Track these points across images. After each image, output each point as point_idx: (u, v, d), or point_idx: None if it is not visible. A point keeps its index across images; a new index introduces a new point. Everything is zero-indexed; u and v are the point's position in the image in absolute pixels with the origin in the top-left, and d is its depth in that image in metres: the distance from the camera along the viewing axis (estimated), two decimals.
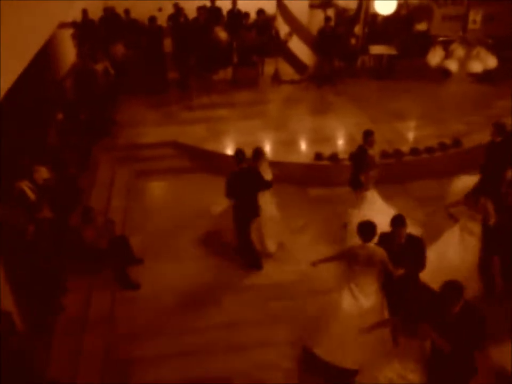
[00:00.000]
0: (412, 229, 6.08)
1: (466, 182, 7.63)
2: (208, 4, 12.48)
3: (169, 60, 12.19)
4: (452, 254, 6.45)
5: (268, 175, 7.23)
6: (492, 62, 9.52)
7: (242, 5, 12.45)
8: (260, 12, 12.22)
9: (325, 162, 9.04)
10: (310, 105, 11.56)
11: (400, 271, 5.39)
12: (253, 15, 12.34)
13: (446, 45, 10.16)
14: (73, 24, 11.69)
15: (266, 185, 7.13)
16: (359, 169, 7.30)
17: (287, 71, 12.37)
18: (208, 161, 9.61)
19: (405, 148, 9.28)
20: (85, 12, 11.74)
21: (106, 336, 6.28)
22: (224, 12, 12.62)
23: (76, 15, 11.65)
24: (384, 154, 8.76)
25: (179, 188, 9.26)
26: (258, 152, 7.20)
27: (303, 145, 9.93)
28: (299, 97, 11.90)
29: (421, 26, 12.54)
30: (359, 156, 7.33)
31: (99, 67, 10.26)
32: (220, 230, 7.72)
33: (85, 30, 11.68)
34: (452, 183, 8.08)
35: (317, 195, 8.65)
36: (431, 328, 4.36)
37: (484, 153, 7.66)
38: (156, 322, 6.48)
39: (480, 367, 4.75)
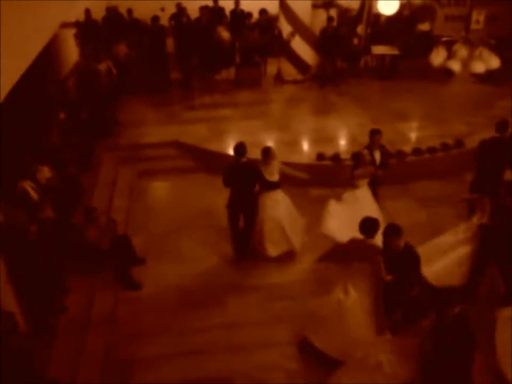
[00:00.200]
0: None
1: None
2: (210, 3, 12.48)
3: (171, 60, 12.19)
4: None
5: (273, 175, 7.20)
6: (494, 62, 9.47)
7: (245, 5, 12.45)
8: (263, 11, 12.22)
9: (327, 163, 9.03)
10: (313, 105, 11.54)
11: (389, 277, 5.37)
12: (255, 15, 12.34)
13: (448, 45, 10.12)
14: (76, 24, 11.69)
15: (267, 184, 7.11)
16: (353, 167, 7.34)
17: (289, 71, 12.35)
18: (211, 161, 9.60)
19: (407, 148, 9.26)
20: (87, 11, 11.74)
21: (108, 336, 6.28)
22: (227, 11, 12.62)
23: (79, 15, 11.66)
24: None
25: (181, 188, 9.26)
26: (267, 152, 7.17)
27: (305, 145, 9.91)
28: (301, 97, 11.89)
29: (424, 27, 12.51)
30: (355, 154, 7.39)
31: (102, 67, 10.26)
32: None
33: (87, 29, 11.68)
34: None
35: (319, 195, 8.62)
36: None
37: (482, 149, 7.61)
38: (157, 322, 6.47)
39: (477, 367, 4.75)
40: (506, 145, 7.32)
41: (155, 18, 11.55)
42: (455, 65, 9.72)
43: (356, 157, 7.29)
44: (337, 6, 12.22)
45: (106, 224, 7.28)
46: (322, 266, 7.12)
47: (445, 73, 11.32)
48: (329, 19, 11.73)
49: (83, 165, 8.93)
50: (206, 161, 9.70)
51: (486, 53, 9.45)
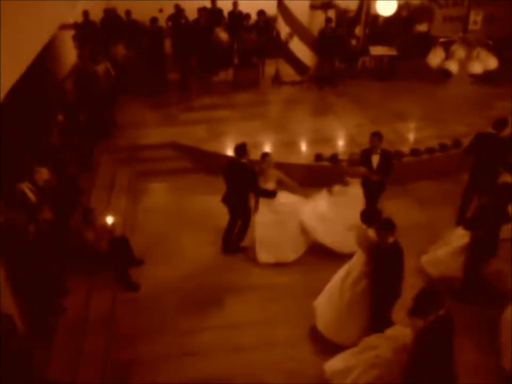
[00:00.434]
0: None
1: None
2: (208, 4, 12.51)
3: (169, 61, 12.21)
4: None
5: (268, 183, 7.19)
6: (492, 63, 9.49)
7: (243, 6, 12.47)
8: (261, 12, 12.25)
9: (325, 163, 9.06)
10: (311, 107, 11.57)
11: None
12: (253, 16, 12.36)
13: (446, 46, 10.14)
14: (74, 26, 11.71)
15: (260, 190, 7.12)
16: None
17: (287, 72, 12.38)
18: (209, 162, 9.63)
19: (406, 149, 9.31)
20: (86, 13, 11.76)
21: (107, 337, 6.29)
22: (225, 13, 12.64)
23: (77, 17, 11.67)
24: None
25: (179, 189, 9.28)
26: (263, 157, 7.22)
27: (303, 146, 9.95)
28: (299, 99, 11.92)
29: (422, 27, 12.56)
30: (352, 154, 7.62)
31: (100, 68, 10.27)
32: None
33: (86, 31, 11.69)
34: None
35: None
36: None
37: (475, 141, 7.64)
38: (156, 323, 6.49)
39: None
40: (500, 143, 7.35)
41: (153, 20, 11.58)
42: (453, 66, 9.75)
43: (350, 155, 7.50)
44: (336, 7, 12.23)
45: (104, 226, 7.28)
46: (322, 266, 7.13)
47: (443, 74, 11.36)
48: (327, 20, 11.76)
49: (82, 166, 8.95)
50: (204, 162, 9.73)
51: (483, 53, 9.47)
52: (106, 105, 10.52)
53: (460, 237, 6.67)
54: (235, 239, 7.62)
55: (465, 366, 5.40)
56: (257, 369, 5.83)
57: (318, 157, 9.13)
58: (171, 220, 8.42)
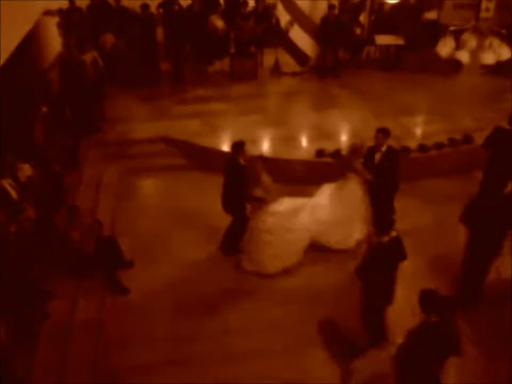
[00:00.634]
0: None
1: None
2: None
3: (162, 50, 12.19)
4: None
5: (260, 190, 7.14)
6: (505, 53, 9.50)
7: None
8: None
9: (327, 159, 9.06)
10: (312, 99, 11.56)
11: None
12: (251, 3, 12.33)
13: (457, 35, 10.14)
14: (59, 12, 11.65)
15: (249, 197, 7.12)
16: None
17: (287, 62, 12.37)
18: (203, 158, 9.62)
19: (413, 144, 9.31)
20: None
21: (94, 344, 6.29)
22: None
23: (62, 2, 11.63)
24: None
25: (172, 187, 9.26)
26: (258, 158, 7.25)
27: (304, 141, 9.94)
28: (300, 90, 11.91)
29: (431, 15, 12.54)
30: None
31: (87, 58, 10.24)
32: None
33: (71, 18, 11.64)
34: None
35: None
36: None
37: (494, 135, 7.65)
38: (147, 329, 6.49)
39: None
40: None
41: (144, 6, 11.54)
42: (464, 56, 9.76)
43: None
44: None
45: (91, 225, 7.28)
46: (324, 272, 7.15)
47: (453, 65, 11.37)
48: (330, 7, 11.75)
49: (68, 162, 8.93)
50: (199, 158, 9.72)
51: (496, 43, 9.48)
52: (94, 97, 10.49)
53: None
54: (233, 240, 7.59)
55: (478, 375, 5.42)
56: (254, 379, 5.82)
57: (320, 153, 9.13)
58: (163, 219, 8.40)
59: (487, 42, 9.61)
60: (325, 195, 7.61)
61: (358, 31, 12.53)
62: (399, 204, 7.78)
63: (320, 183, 8.10)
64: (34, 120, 8.71)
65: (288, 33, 11.97)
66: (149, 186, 9.51)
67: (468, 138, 9.45)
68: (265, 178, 7.18)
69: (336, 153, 9.02)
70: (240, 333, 6.40)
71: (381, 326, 5.85)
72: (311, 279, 7.16)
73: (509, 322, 6.15)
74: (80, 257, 6.97)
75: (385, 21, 12.65)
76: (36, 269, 6.43)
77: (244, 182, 7.09)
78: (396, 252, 5.53)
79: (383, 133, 7.24)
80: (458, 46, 9.97)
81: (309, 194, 8.54)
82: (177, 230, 8.13)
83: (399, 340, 5.05)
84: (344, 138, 9.92)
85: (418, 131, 10.13)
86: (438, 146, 9.30)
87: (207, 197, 8.39)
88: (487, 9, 11.93)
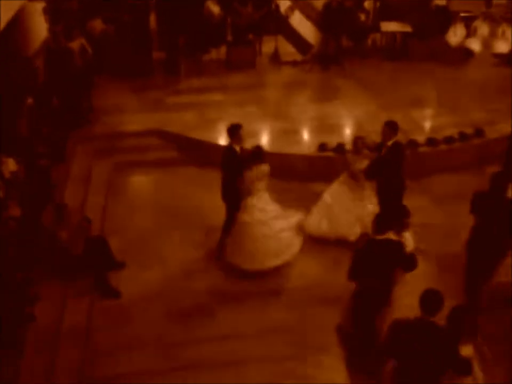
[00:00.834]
0: None
1: None
2: None
3: (154, 38, 12.16)
4: None
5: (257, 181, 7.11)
6: None
7: None
8: None
9: (330, 154, 9.05)
10: (314, 90, 11.57)
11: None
12: None
13: (468, 22, 10.19)
14: None
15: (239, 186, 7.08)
16: None
17: (288, 50, 12.36)
18: (199, 152, 9.62)
19: (421, 138, 9.31)
20: None
21: (82, 350, 6.28)
22: None
23: None
24: None
25: (165, 183, 9.26)
26: (258, 153, 7.18)
27: (305, 135, 9.94)
28: (301, 81, 11.91)
29: (440, 1, 12.51)
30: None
31: (74, 45, 10.20)
32: None
33: (58, 3, 11.61)
34: None
35: (321, 191, 8.64)
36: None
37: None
38: (138, 334, 6.47)
39: None
40: None
41: None
42: (475, 45, 9.81)
43: None
44: None
45: (79, 224, 7.27)
46: (329, 272, 7.15)
47: (463, 54, 11.37)
48: None
49: (54, 156, 8.91)
50: (194, 152, 9.71)
51: (509, 30, 9.51)
52: (82, 87, 10.47)
53: None
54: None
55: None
56: None
57: (322, 147, 9.13)
58: (156, 217, 8.40)
59: (500, 30, 9.65)
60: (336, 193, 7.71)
61: (363, 17, 12.51)
62: (406, 202, 7.76)
63: (322, 179, 8.12)
64: (18, 112, 8.67)
65: (288, 19, 11.95)
66: (140, 182, 9.51)
67: (479, 132, 9.46)
68: (264, 167, 7.19)
69: (340, 148, 9.01)
70: (238, 338, 6.39)
71: (372, 330, 5.79)
72: (312, 279, 7.16)
73: None
74: (68, 258, 6.96)
75: (392, 6, 12.67)
76: (21, 270, 6.41)
77: (240, 172, 7.06)
78: (392, 254, 5.50)
79: (390, 126, 7.19)
80: (469, 33, 10.01)
81: (310, 191, 8.57)
82: (171, 229, 8.12)
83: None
84: (347, 131, 9.92)
85: (427, 124, 10.13)
86: (448, 140, 9.30)
87: (203, 193, 8.40)
88: None
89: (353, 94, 11.12)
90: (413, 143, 9.11)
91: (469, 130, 9.49)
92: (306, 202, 8.10)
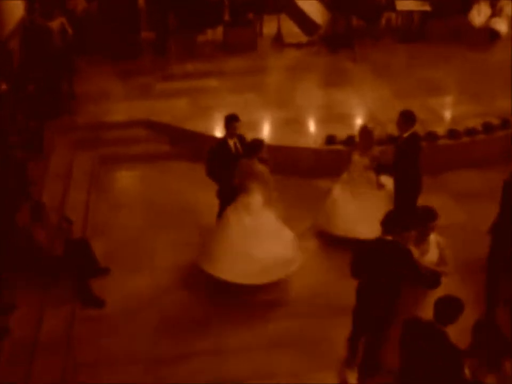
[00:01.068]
0: None
1: None
2: None
3: (143, 17, 12.16)
4: None
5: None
6: None
7: None
8: None
9: (339, 147, 9.05)
10: (321, 75, 11.60)
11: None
12: None
13: (493, 1, 10.17)
14: None
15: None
16: None
17: (292, 31, 12.37)
18: (192, 145, 9.63)
19: (440, 130, 9.32)
20: None
21: (62, 363, 6.27)
22: None
23: None
24: None
25: (155, 178, 9.28)
26: (255, 146, 7.10)
27: (311, 126, 9.97)
28: (307, 65, 11.93)
29: None
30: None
31: (54, 25, 10.22)
32: None
33: None
34: None
35: (328, 189, 8.65)
36: None
37: None
38: (124, 347, 6.47)
39: None
40: None
41: None
42: (501, 25, 9.79)
43: None
44: None
45: (59, 225, 7.27)
46: (335, 280, 7.15)
47: (488, 35, 11.37)
48: None
49: (31, 149, 8.92)
50: (186, 144, 9.74)
51: None
52: (62, 71, 10.48)
53: None
54: None
55: None
56: None
57: (330, 139, 9.13)
58: (145, 216, 8.41)
59: None
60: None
61: None
62: (424, 200, 7.77)
63: (329, 175, 8.12)
64: None
65: None
66: (127, 178, 9.54)
67: (505, 123, 9.47)
68: (260, 168, 7.13)
69: (350, 140, 9.01)
70: (236, 353, 6.39)
71: (377, 362, 5.82)
72: (317, 288, 7.16)
73: None
74: (46, 261, 6.95)
75: None
76: None
77: (232, 168, 7.05)
78: (396, 262, 5.42)
79: (404, 116, 7.17)
80: (495, 13, 10.00)
81: (316, 188, 8.58)
82: (162, 229, 8.13)
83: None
84: (358, 122, 9.91)
85: (447, 114, 10.16)
86: (471, 132, 9.31)
87: (196, 190, 8.41)
88: None
89: (364, 80, 11.14)
90: (431, 135, 9.11)
91: (494, 121, 9.50)
92: (312, 200, 8.11)
